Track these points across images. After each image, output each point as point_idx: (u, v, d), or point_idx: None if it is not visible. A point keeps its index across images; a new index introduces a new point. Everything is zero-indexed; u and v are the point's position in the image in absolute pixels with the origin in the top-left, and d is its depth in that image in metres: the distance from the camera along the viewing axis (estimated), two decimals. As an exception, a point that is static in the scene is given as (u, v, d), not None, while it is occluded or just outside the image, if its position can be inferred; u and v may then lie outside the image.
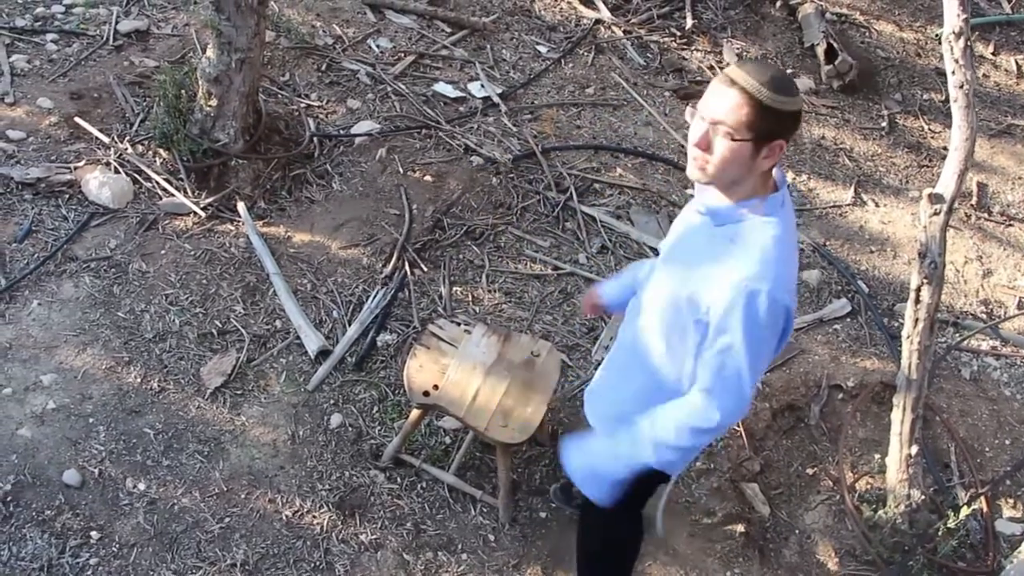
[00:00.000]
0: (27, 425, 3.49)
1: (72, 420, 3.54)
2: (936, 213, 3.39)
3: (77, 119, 4.54)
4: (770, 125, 2.10)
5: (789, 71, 5.89)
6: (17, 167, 4.29)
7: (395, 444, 3.55)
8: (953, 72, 3.30)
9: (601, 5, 6.04)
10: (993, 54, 6.35)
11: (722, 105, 2.10)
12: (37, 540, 3.22)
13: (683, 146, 5.15)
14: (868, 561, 3.67)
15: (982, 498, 3.86)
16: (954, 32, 3.26)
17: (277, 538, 3.37)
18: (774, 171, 2.26)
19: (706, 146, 2.14)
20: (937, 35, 6.12)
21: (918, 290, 3.53)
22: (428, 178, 4.65)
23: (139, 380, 3.70)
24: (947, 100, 3.49)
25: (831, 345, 4.32)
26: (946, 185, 3.40)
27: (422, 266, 4.28)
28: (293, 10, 5.47)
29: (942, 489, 3.89)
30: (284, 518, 3.42)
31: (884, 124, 5.66)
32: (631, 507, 2.83)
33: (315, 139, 4.74)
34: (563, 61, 5.62)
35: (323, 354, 3.90)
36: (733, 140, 2.11)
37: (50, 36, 5.02)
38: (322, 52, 5.26)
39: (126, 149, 4.47)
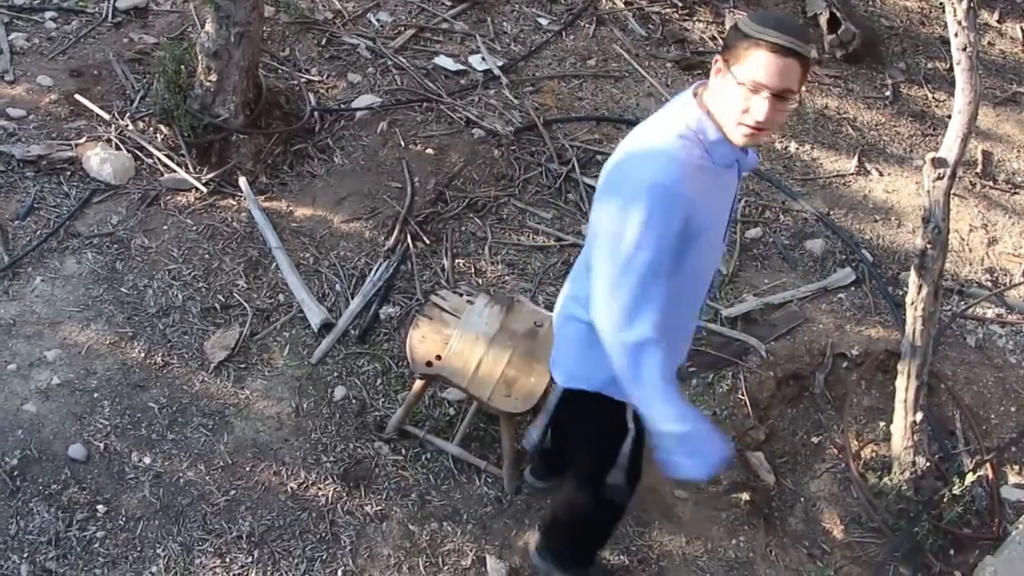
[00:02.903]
0: (32, 400, 3.50)
1: (77, 395, 3.55)
2: (940, 177, 3.37)
3: (77, 96, 4.53)
4: (806, 76, 2.20)
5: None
6: (18, 145, 4.28)
7: (399, 415, 3.56)
8: (956, 34, 3.27)
9: (602, -23, 6.01)
10: (998, 22, 6.31)
11: (789, 76, 2.12)
12: (44, 514, 3.23)
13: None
14: (873, 528, 3.67)
15: (987, 465, 3.85)
16: (957, -6, 3.23)
17: (282, 510, 3.38)
18: None
19: (770, 119, 2.17)
20: (941, 3, 6.07)
21: (922, 256, 3.51)
22: (430, 151, 4.64)
23: (143, 355, 3.71)
24: (951, 69, 3.46)
25: (835, 314, 4.31)
26: (949, 149, 3.37)
27: (424, 239, 4.27)
28: (292, -15, 5.45)
29: (947, 456, 3.89)
30: (289, 490, 3.43)
31: (888, 93, 5.63)
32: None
33: (316, 113, 4.72)
34: (564, 33, 5.59)
35: (326, 327, 3.90)
36: (792, 101, 2.17)
37: (49, 14, 5.00)
38: (322, 27, 5.24)
39: (127, 126, 4.46)
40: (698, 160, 2.23)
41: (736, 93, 2.14)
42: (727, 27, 5.81)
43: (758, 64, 2.10)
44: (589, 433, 2.74)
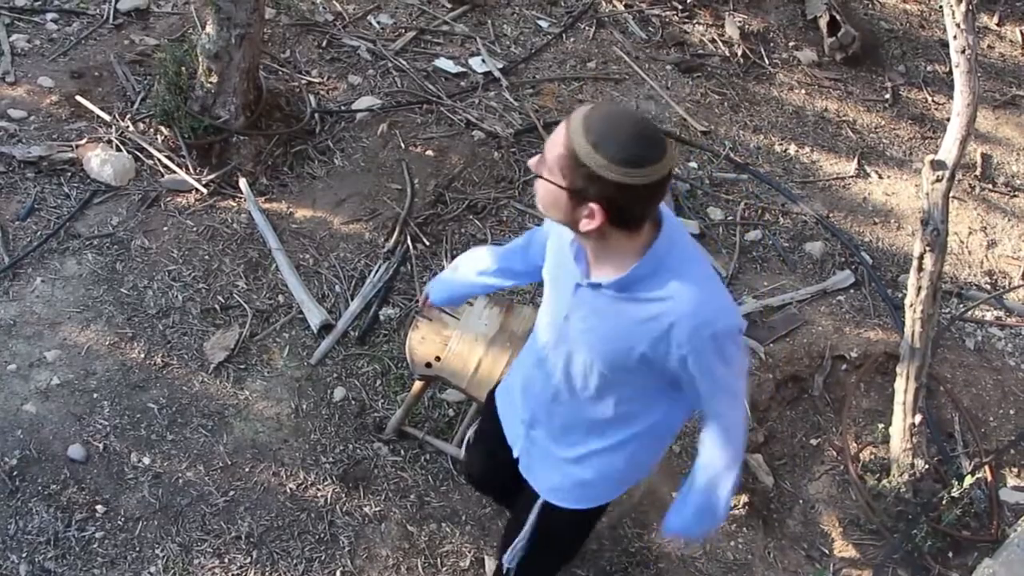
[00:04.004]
0: (32, 401, 3.50)
1: (76, 396, 3.55)
2: (938, 180, 3.37)
3: (78, 98, 4.54)
4: (583, 181, 1.88)
5: (792, 44, 5.86)
6: (19, 146, 4.29)
7: (398, 417, 3.56)
8: (955, 37, 3.28)
9: (602, -21, 6.02)
10: (998, 25, 6.31)
11: (550, 147, 1.93)
12: (43, 514, 3.24)
13: (685, 119, 5.14)
14: (872, 530, 3.67)
15: (986, 467, 3.86)
16: (956, -4, 3.25)
17: (281, 511, 3.38)
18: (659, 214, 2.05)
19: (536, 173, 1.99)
20: (940, 6, 6.08)
21: (921, 258, 3.52)
22: (430, 153, 4.65)
23: (143, 356, 3.71)
24: (951, 72, 3.47)
25: (834, 316, 4.31)
26: (948, 151, 3.38)
27: (424, 240, 4.28)
28: (293, -13, 5.46)
29: (946, 458, 3.89)
30: (288, 491, 3.44)
31: (887, 96, 5.63)
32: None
33: (316, 115, 4.73)
34: (564, 35, 5.60)
35: (326, 328, 3.90)
36: (543, 176, 1.95)
37: (50, 15, 5.01)
38: (322, 29, 5.25)
39: (127, 127, 4.47)
40: None
41: None
42: (727, 30, 5.82)
43: None
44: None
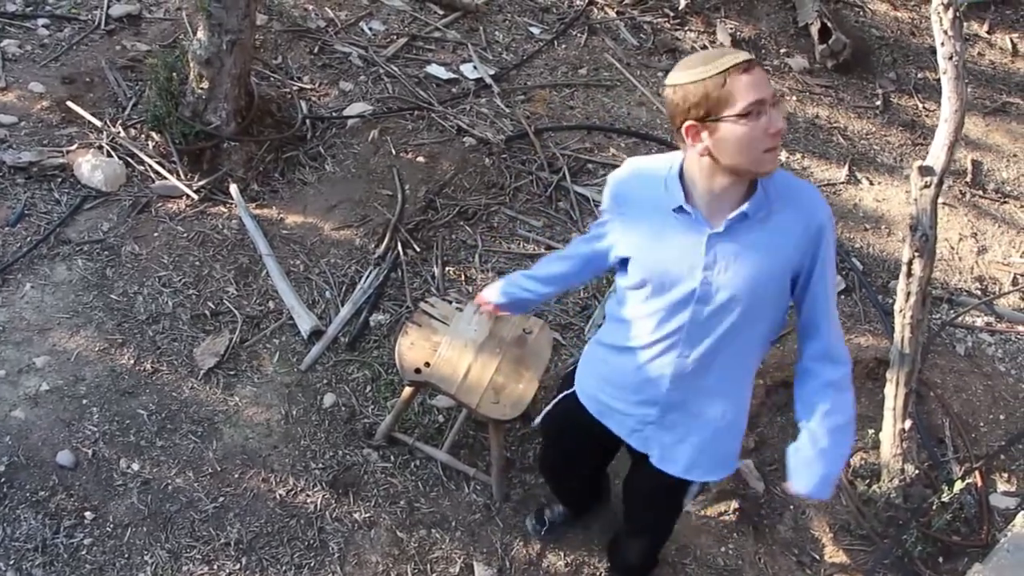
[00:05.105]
0: (21, 407, 3.49)
1: (65, 402, 3.54)
2: (927, 185, 3.38)
3: (69, 103, 4.54)
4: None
5: (783, 51, 5.88)
6: (9, 151, 4.28)
7: (388, 422, 3.56)
8: (942, 44, 3.29)
9: (594, -14, 6.03)
10: (988, 32, 6.34)
11: (767, 81, 2.12)
12: (31, 521, 3.23)
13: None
14: (862, 536, 3.67)
15: (976, 472, 3.86)
16: (943, 3, 3.25)
17: (271, 517, 3.37)
18: None
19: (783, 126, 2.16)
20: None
21: (910, 263, 3.52)
22: (421, 159, 4.65)
23: (132, 362, 3.71)
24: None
25: (825, 322, 4.31)
26: (936, 157, 3.39)
27: (415, 246, 4.28)
28: (285, -7, 5.47)
29: (936, 464, 3.89)
30: (278, 497, 3.43)
31: (878, 103, 5.65)
32: None
33: (308, 121, 4.73)
34: (556, 42, 5.61)
35: (316, 334, 3.90)
36: (783, 103, 2.20)
37: (41, 21, 5.01)
38: (314, 35, 5.25)
39: (118, 133, 4.46)
40: (654, 189, 2.30)
41: (744, 129, 2.09)
42: (718, 37, 5.84)
43: (744, 88, 2.07)
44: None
